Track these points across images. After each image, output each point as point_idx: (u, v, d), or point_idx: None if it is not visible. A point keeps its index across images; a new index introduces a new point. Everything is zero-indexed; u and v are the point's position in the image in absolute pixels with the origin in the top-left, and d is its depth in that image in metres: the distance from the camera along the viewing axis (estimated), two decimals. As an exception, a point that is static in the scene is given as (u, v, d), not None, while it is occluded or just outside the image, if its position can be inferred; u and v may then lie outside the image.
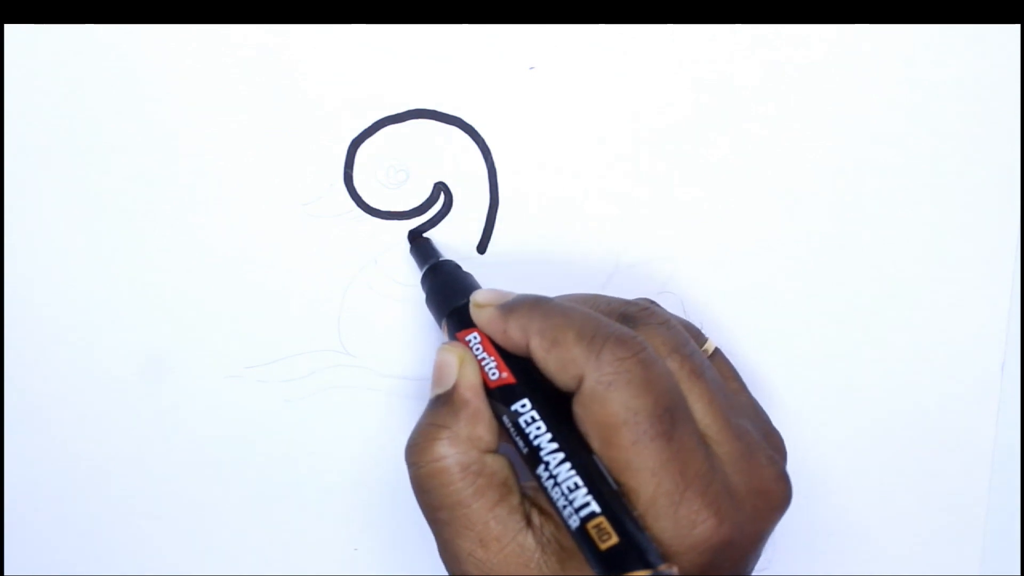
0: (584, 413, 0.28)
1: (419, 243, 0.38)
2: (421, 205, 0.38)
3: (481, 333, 0.32)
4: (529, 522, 0.30)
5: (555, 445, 0.28)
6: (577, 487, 0.27)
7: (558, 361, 0.29)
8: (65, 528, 0.40)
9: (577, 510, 0.27)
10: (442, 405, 0.31)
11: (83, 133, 0.38)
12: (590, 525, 0.27)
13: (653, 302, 0.34)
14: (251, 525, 0.40)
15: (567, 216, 0.38)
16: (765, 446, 0.30)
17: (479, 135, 0.38)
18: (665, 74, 0.38)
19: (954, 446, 0.39)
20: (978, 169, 0.38)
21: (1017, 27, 0.37)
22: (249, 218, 0.38)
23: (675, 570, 0.26)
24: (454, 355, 0.31)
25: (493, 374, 0.30)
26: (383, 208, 0.38)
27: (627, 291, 0.38)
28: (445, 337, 0.34)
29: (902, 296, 0.39)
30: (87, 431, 0.39)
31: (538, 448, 0.28)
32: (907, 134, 0.38)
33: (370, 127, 0.38)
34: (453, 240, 0.38)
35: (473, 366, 0.31)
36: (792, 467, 0.34)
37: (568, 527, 0.28)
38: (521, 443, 0.29)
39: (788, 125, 0.38)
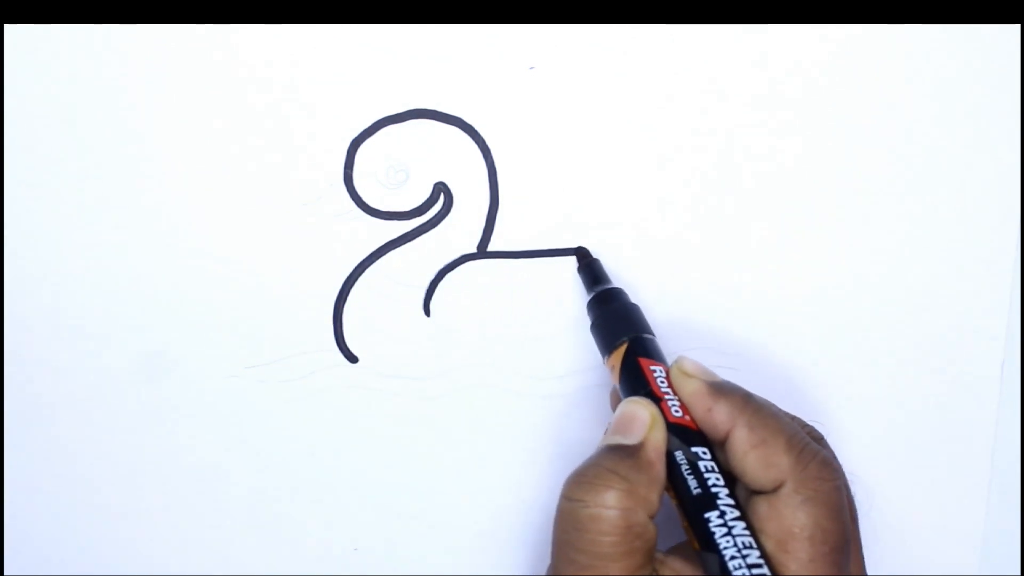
0: (771, 514, 0.30)
1: (589, 263, 0.38)
2: (421, 205, 0.38)
3: (665, 368, 0.33)
4: None
5: (732, 500, 0.30)
6: (751, 547, 0.29)
7: (762, 460, 0.30)
8: (65, 528, 0.40)
9: (750, 567, 0.28)
10: (626, 456, 0.30)
11: (83, 133, 0.38)
12: None
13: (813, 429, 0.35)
14: (251, 525, 0.40)
15: (567, 216, 0.38)
16: None
17: (479, 135, 0.38)
18: (665, 74, 0.38)
19: (954, 446, 0.39)
20: (978, 169, 0.38)
21: (1017, 27, 0.37)
22: (249, 218, 0.38)
23: None
24: (647, 412, 0.31)
25: (676, 411, 0.32)
26: (383, 208, 0.38)
27: (629, 293, 0.38)
28: (609, 362, 0.34)
29: (902, 296, 0.39)
30: (87, 431, 0.39)
31: (715, 495, 0.30)
32: (907, 134, 0.38)
33: (370, 127, 0.38)
34: (453, 240, 0.38)
35: (663, 430, 0.31)
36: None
37: (729, 572, 0.29)
38: (694, 483, 0.30)
39: (788, 125, 0.38)
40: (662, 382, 0.32)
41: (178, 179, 0.38)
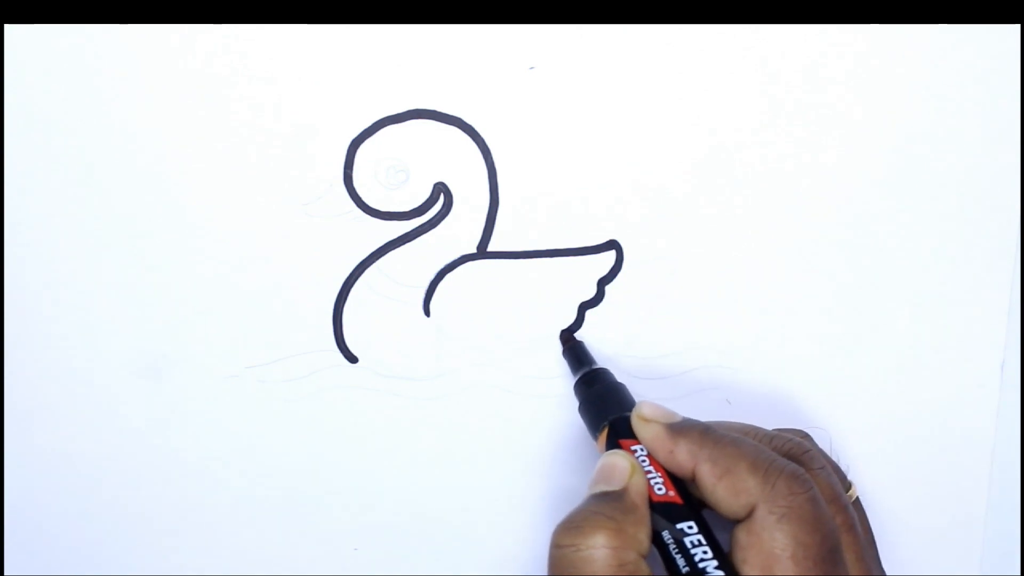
0: (750, 540, 0.30)
1: (573, 346, 0.38)
2: (421, 205, 0.38)
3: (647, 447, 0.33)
4: None
5: (720, 573, 0.29)
6: None
7: (730, 488, 0.30)
8: (65, 528, 0.40)
9: None
10: (611, 500, 0.31)
11: (83, 133, 0.38)
12: None
13: (807, 435, 0.35)
14: (251, 525, 0.40)
15: (567, 216, 0.38)
16: None
17: (479, 135, 0.38)
18: (665, 74, 0.38)
19: (954, 446, 0.39)
20: (978, 169, 0.38)
21: (1017, 27, 0.37)
22: (249, 218, 0.38)
23: None
24: (626, 461, 0.32)
25: (659, 489, 0.32)
26: (383, 208, 0.38)
27: (629, 293, 0.38)
28: (598, 445, 0.35)
29: (902, 296, 0.39)
30: (87, 431, 0.39)
31: (703, 570, 0.29)
32: (907, 134, 0.38)
33: (370, 127, 0.38)
34: (453, 240, 0.38)
35: (642, 476, 0.32)
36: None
37: None
38: (682, 561, 0.30)
39: (788, 125, 0.38)
40: (643, 460, 0.32)
41: (178, 179, 0.38)
